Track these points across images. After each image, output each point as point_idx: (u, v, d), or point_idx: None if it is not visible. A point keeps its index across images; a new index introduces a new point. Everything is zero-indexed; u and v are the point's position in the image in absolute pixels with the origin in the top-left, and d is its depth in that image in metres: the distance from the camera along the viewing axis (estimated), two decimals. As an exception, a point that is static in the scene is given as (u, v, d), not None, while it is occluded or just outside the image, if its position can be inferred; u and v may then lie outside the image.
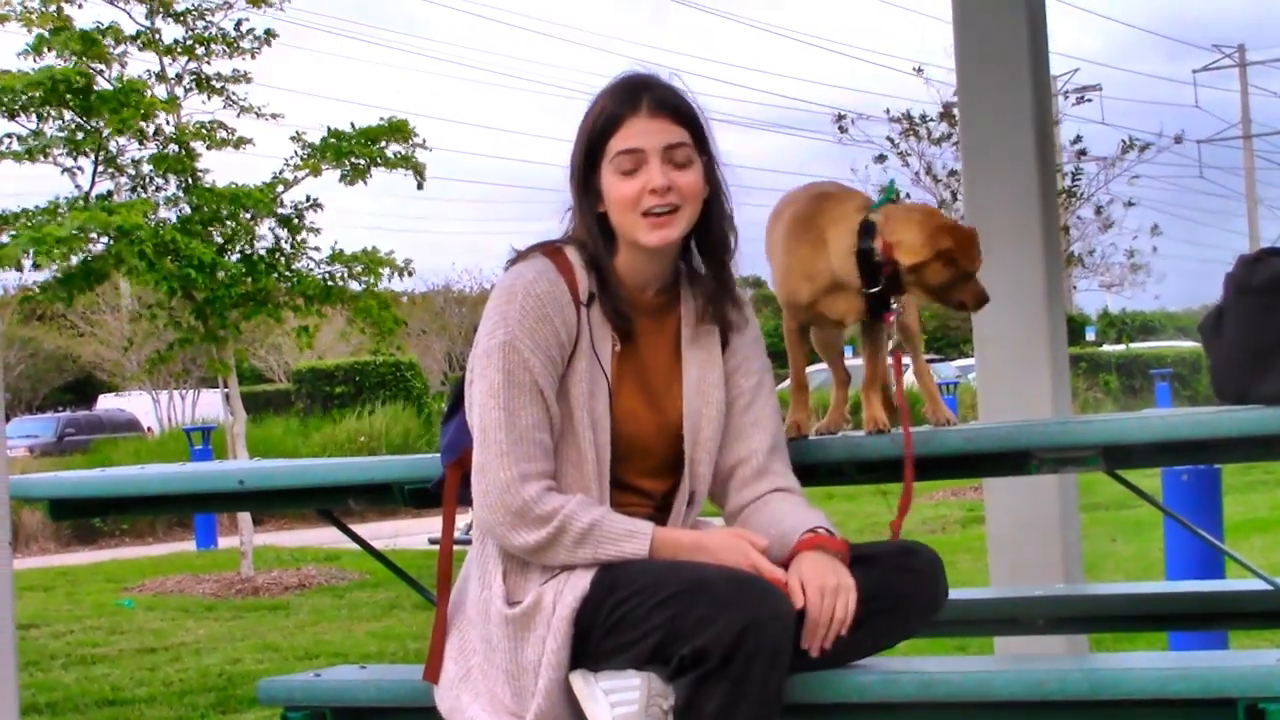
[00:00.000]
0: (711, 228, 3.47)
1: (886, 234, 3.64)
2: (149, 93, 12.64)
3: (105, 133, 12.47)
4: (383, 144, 12.90)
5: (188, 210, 12.67)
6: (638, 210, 3.35)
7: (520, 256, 3.44)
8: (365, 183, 13.01)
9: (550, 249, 3.43)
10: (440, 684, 3.42)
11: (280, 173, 12.92)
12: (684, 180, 3.37)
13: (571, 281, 3.38)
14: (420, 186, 13.24)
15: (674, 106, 3.41)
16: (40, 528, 19.33)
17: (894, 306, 3.72)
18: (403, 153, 13.00)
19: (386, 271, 13.21)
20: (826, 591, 3.25)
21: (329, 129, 12.85)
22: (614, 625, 3.21)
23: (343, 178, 12.93)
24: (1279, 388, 3.49)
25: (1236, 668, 3.25)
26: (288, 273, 12.80)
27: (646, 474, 3.45)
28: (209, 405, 34.54)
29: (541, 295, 3.33)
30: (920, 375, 4.10)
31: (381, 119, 12.96)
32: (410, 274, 13.49)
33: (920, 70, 30.92)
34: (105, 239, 12.00)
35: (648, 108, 3.38)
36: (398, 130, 12.89)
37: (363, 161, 12.86)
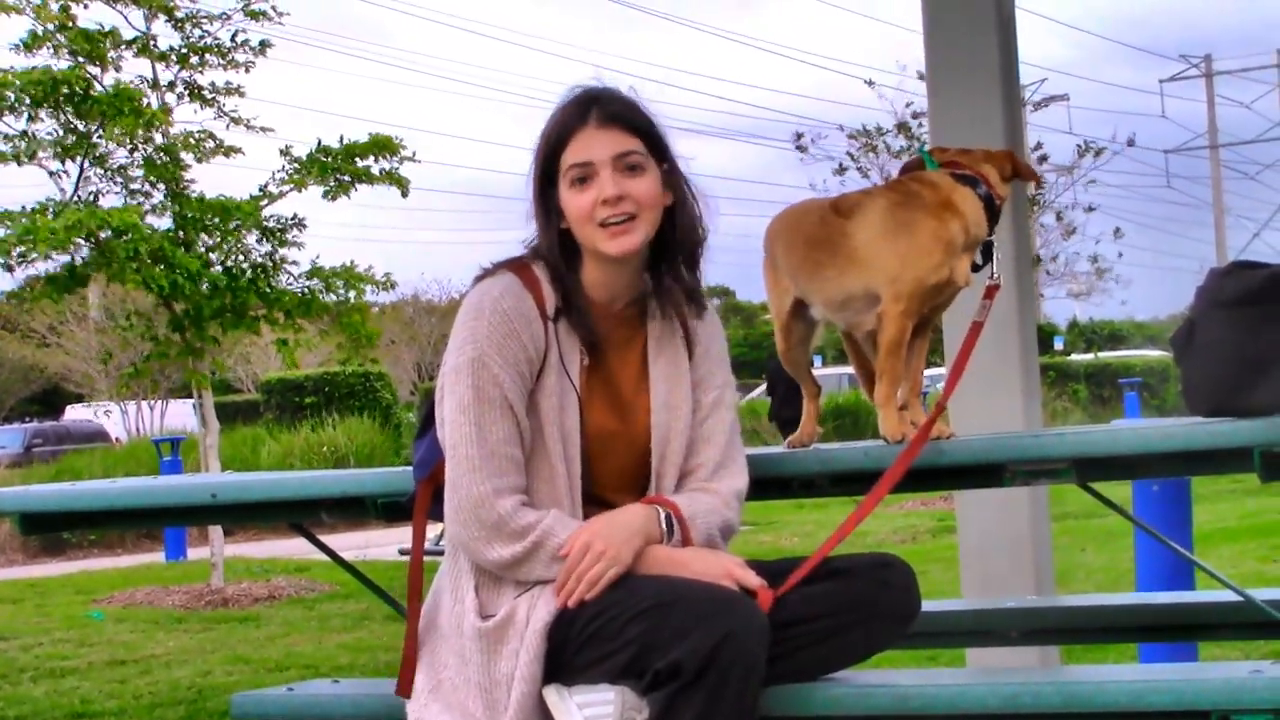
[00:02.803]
0: (674, 237, 3.48)
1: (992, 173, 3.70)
2: (145, 101, 12.59)
3: (96, 136, 12.41)
4: (368, 161, 12.84)
5: (175, 219, 12.60)
6: (594, 222, 3.36)
7: (487, 273, 3.44)
8: (349, 197, 12.96)
9: (517, 265, 3.44)
10: (410, 697, 3.41)
11: (266, 186, 12.88)
12: (638, 188, 3.38)
13: (539, 297, 3.38)
14: (405, 195, 13.18)
15: (623, 117, 3.42)
16: (8, 539, 19.27)
17: (995, 250, 3.72)
18: (387, 169, 12.95)
19: (369, 288, 13.18)
20: (591, 551, 3.25)
21: (317, 143, 12.80)
22: (588, 639, 3.21)
23: (326, 194, 12.86)
24: (1270, 398, 3.49)
25: (1209, 680, 3.26)
26: (268, 287, 12.73)
27: (615, 488, 3.44)
28: (177, 416, 34.46)
29: (509, 311, 3.33)
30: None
31: (369, 134, 12.91)
32: (392, 286, 13.45)
33: (871, 83, 31.13)
34: (92, 242, 11.93)
35: (596, 119, 3.39)
36: (383, 146, 12.85)
37: (347, 178, 12.81)
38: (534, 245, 3.48)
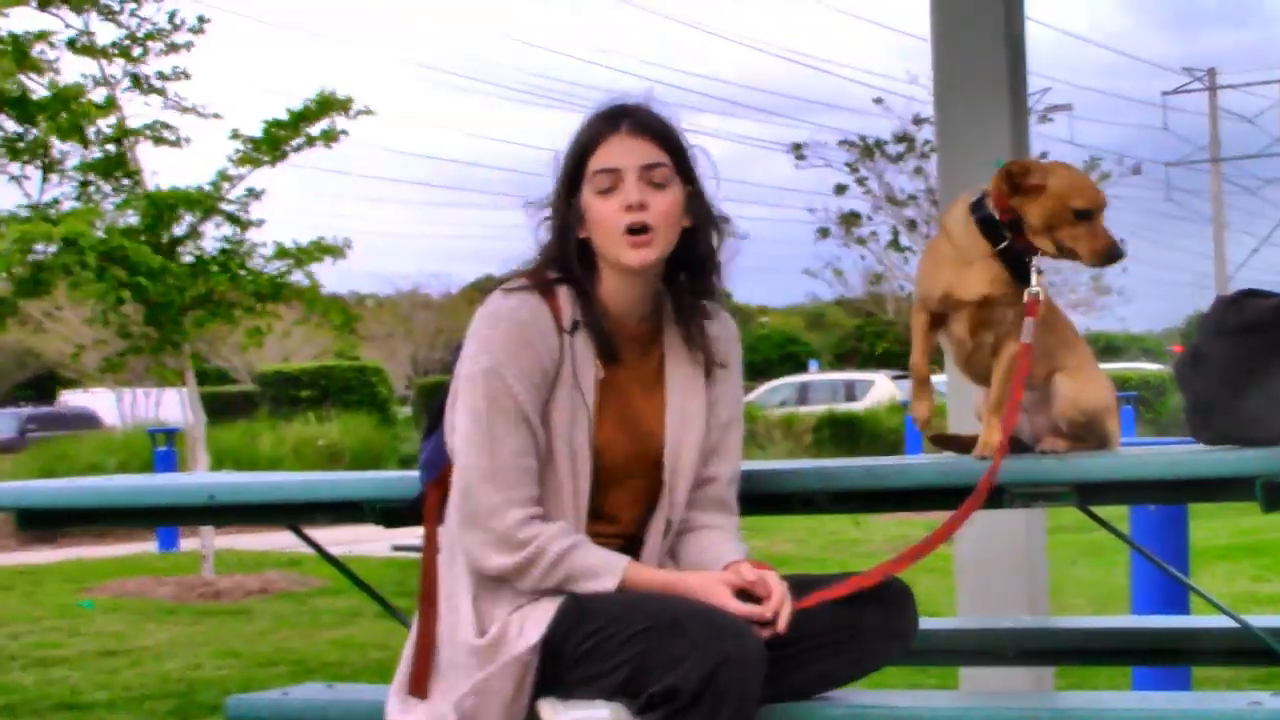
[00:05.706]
0: (691, 260, 3.46)
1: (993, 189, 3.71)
2: (86, 98, 12.45)
3: (49, 140, 12.34)
4: (316, 123, 12.68)
5: (134, 218, 12.49)
6: (617, 229, 3.34)
7: (504, 281, 3.42)
8: (288, 158, 12.71)
9: (535, 275, 3.42)
10: (393, 694, 3.39)
11: (225, 170, 12.76)
12: (660, 201, 3.36)
13: (555, 308, 3.36)
14: (329, 146, 12.95)
15: (654, 129, 3.41)
16: (0, 525, 19.21)
17: (1035, 268, 3.68)
18: (328, 128, 12.76)
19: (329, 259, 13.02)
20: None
21: (267, 121, 12.61)
22: (583, 655, 3.20)
23: (272, 159, 12.69)
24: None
25: (1208, 711, 3.26)
26: (240, 272, 12.64)
27: (624, 503, 3.43)
28: (173, 404, 34.41)
29: (524, 322, 3.31)
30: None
31: (306, 100, 12.66)
32: (349, 248, 13.14)
33: (880, 101, 31.27)
34: (52, 248, 11.85)
35: (627, 128, 3.39)
36: (331, 105, 12.68)
37: (302, 140, 12.63)
38: (550, 255, 3.46)
